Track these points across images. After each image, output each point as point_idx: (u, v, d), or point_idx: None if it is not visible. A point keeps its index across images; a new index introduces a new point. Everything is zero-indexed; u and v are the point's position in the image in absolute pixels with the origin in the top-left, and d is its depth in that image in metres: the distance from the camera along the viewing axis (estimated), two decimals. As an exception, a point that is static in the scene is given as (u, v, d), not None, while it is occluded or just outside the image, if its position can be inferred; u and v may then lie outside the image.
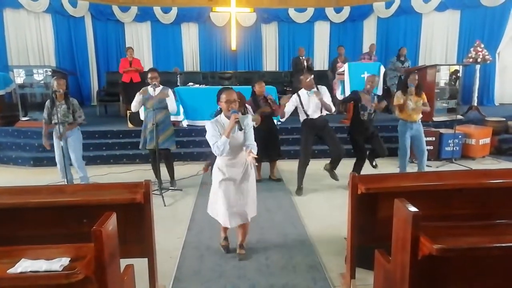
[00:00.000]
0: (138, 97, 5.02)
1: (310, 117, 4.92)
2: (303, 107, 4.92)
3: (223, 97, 3.11)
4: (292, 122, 7.55)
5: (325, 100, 4.83)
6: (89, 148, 6.54)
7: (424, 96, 5.22)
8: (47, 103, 4.81)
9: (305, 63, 8.81)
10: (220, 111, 3.21)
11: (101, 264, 1.84)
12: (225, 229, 3.52)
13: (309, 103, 4.89)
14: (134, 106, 5.09)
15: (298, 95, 4.94)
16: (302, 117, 4.99)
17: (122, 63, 8.51)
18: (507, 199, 2.65)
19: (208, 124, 3.15)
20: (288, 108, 4.94)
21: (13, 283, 1.71)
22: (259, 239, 3.75)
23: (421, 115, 5.25)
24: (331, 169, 5.12)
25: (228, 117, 3.09)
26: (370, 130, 5.08)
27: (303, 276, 3.10)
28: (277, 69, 11.62)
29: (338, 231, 3.75)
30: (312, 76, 4.94)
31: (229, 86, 3.43)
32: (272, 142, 5.40)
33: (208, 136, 3.12)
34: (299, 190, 5.06)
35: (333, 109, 5.01)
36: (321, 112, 4.94)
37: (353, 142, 5.21)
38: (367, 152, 5.22)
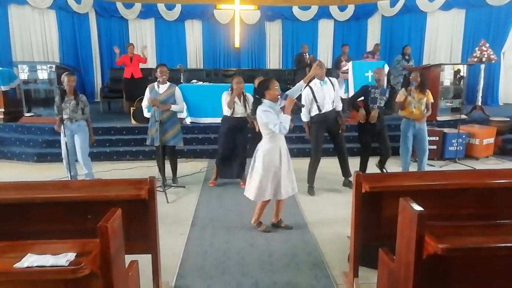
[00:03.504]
0: (147, 95, 5.06)
1: (323, 111, 4.78)
2: (316, 100, 4.75)
3: (274, 84, 3.52)
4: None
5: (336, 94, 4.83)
6: (92, 144, 6.54)
7: (429, 95, 5.19)
8: (57, 98, 4.82)
9: (309, 61, 8.74)
10: (259, 99, 3.57)
11: (107, 259, 1.85)
12: (263, 211, 3.87)
13: (323, 94, 4.75)
14: (145, 105, 5.11)
15: (310, 88, 4.75)
16: (313, 112, 4.81)
17: (122, 58, 8.50)
18: (511, 199, 2.64)
19: (264, 108, 3.47)
20: (306, 108, 4.74)
21: (19, 278, 1.72)
22: (262, 237, 3.75)
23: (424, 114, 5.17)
24: (347, 179, 5.11)
25: (273, 101, 3.52)
26: (378, 127, 5.03)
27: (306, 274, 3.10)
28: (281, 67, 11.60)
29: (342, 230, 3.76)
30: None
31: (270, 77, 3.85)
32: None
33: (269, 119, 3.42)
34: (311, 190, 5.00)
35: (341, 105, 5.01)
36: (332, 105, 4.86)
37: (360, 139, 5.19)
38: (378, 158, 5.22)
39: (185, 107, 5.28)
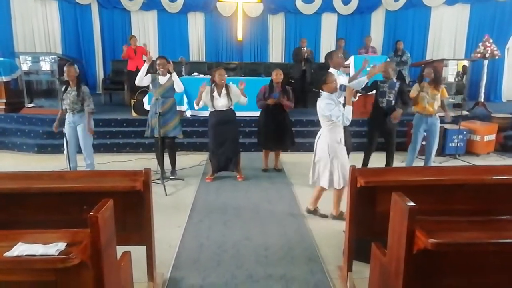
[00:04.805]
0: (144, 69, 4.99)
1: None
2: None
3: (332, 77, 3.76)
4: (306, 114, 7.52)
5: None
6: (93, 136, 6.55)
7: (444, 91, 5.21)
8: (62, 88, 4.87)
9: (306, 55, 8.67)
10: (317, 93, 3.83)
11: (97, 249, 1.85)
12: (320, 197, 4.11)
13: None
14: (139, 77, 5.00)
15: None
16: None
17: (127, 52, 8.49)
18: (509, 195, 2.63)
19: (327, 101, 3.69)
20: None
21: (9, 266, 1.73)
22: (259, 230, 3.76)
23: (437, 109, 5.17)
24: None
25: (331, 93, 3.74)
26: (388, 125, 4.99)
27: (301, 268, 3.11)
28: (283, 61, 11.51)
29: (337, 224, 3.77)
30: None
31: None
32: (284, 133, 5.39)
33: (332, 112, 3.64)
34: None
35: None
36: (344, 101, 4.82)
37: (368, 133, 5.17)
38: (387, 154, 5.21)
39: (183, 88, 5.17)
